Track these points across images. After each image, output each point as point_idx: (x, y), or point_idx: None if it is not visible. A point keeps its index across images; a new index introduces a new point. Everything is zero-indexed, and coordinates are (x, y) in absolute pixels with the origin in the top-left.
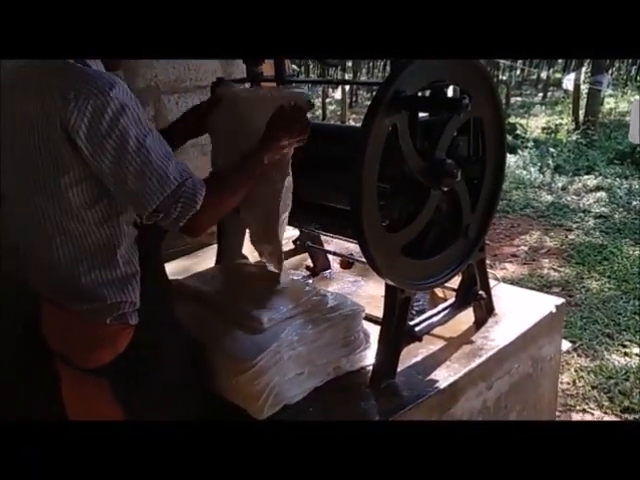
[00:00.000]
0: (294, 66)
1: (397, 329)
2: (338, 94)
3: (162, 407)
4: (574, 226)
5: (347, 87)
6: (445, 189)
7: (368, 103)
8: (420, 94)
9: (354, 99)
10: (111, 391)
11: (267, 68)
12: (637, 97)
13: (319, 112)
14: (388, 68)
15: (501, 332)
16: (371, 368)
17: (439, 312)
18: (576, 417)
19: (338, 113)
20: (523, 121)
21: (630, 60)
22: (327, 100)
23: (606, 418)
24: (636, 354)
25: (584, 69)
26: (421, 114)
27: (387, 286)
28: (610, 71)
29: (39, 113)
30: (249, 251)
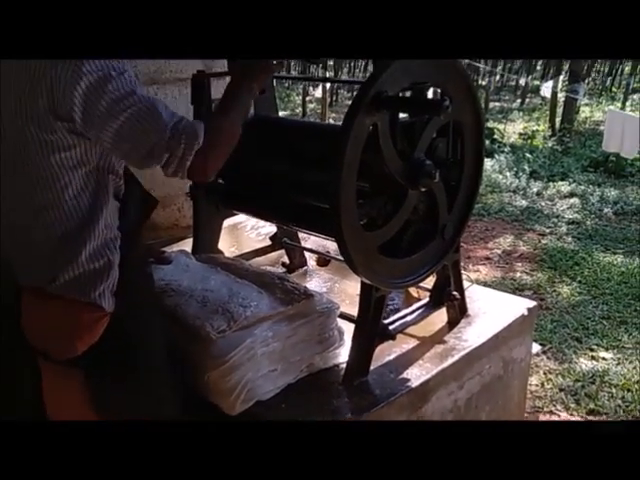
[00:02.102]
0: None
1: (371, 327)
2: (318, 92)
3: (140, 399)
4: (547, 231)
5: (328, 85)
6: (423, 189)
7: (348, 102)
8: (401, 95)
9: (334, 98)
10: (88, 384)
11: None
12: (611, 107)
13: (299, 110)
14: (369, 67)
15: (473, 333)
16: (344, 366)
17: (413, 311)
18: (543, 419)
19: (318, 111)
20: (501, 126)
21: (605, 71)
22: (307, 98)
23: (572, 420)
24: (603, 358)
25: (561, 77)
26: (401, 115)
27: (362, 284)
28: (586, 81)
29: (27, 84)
30: (226, 246)
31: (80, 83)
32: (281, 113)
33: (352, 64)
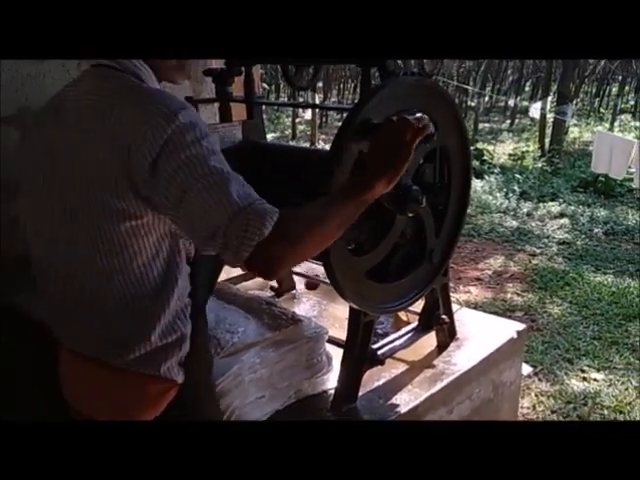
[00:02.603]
0: (265, 85)
1: (360, 352)
2: (308, 114)
3: None
4: (538, 251)
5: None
6: (410, 214)
7: (338, 124)
8: None
9: (324, 120)
10: None
11: (237, 88)
12: (599, 128)
13: (289, 132)
14: (358, 90)
15: (463, 356)
16: (333, 392)
17: (402, 336)
18: None
19: (308, 133)
20: (490, 147)
21: (593, 92)
22: (297, 120)
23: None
24: (594, 379)
25: (550, 98)
26: None
27: (351, 309)
28: (574, 102)
29: (106, 148)
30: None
31: (162, 137)
32: (271, 135)
33: (341, 86)
